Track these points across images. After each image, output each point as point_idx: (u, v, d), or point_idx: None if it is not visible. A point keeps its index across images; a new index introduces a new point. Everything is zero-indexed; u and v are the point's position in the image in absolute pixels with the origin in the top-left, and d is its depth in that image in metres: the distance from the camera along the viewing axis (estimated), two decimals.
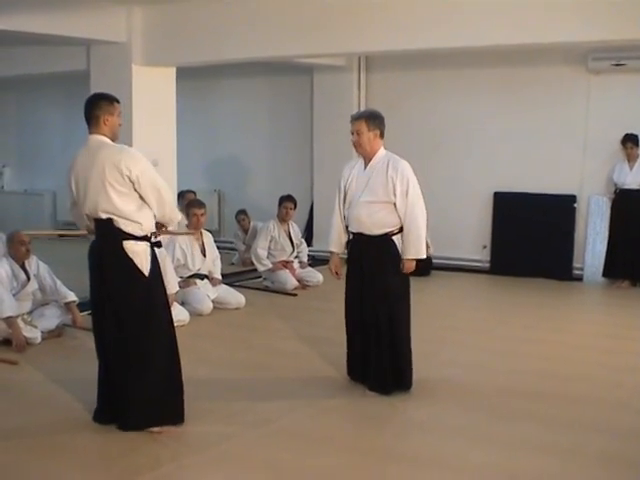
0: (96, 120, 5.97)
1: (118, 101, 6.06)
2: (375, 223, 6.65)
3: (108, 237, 5.78)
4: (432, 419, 6.27)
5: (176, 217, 6.16)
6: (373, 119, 6.72)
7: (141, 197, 5.75)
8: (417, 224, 6.68)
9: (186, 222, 10.16)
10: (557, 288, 11.50)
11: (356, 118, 6.73)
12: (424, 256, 6.73)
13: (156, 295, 5.91)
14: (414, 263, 6.68)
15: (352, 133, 6.72)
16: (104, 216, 5.72)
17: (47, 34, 9.36)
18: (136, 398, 5.84)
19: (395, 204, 6.64)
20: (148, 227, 5.84)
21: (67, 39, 9.83)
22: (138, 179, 5.68)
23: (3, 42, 11.30)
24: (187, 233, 9.34)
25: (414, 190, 6.69)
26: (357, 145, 6.72)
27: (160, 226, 6.01)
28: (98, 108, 5.99)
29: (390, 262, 6.66)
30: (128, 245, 5.73)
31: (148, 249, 5.85)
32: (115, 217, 5.70)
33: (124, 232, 5.73)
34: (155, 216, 5.87)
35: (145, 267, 5.80)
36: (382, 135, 6.78)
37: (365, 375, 6.79)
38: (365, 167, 6.78)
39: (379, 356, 6.66)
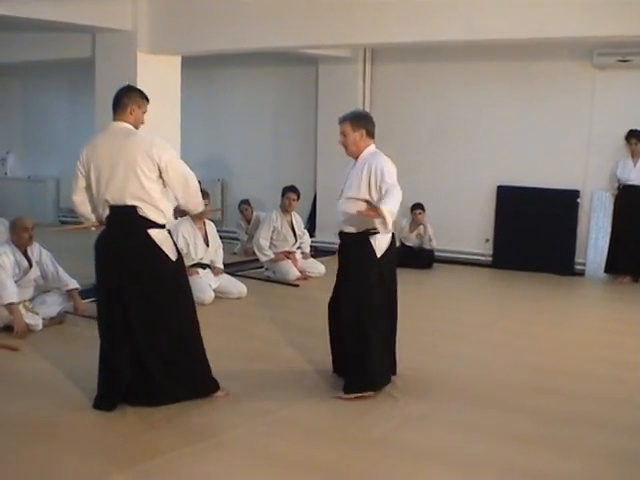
0: (123, 108, 6.16)
1: (149, 100, 6.28)
2: (351, 220, 6.52)
3: (132, 226, 6.01)
4: (431, 412, 6.27)
5: (200, 204, 6.46)
6: (357, 120, 6.65)
7: (164, 185, 6.02)
8: (392, 197, 6.23)
9: None
10: (559, 283, 11.50)
11: (342, 120, 6.66)
12: (389, 228, 6.33)
13: (183, 276, 6.33)
14: (374, 213, 6.22)
15: (340, 134, 6.68)
16: (130, 202, 5.92)
17: (53, 21, 9.34)
18: (173, 374, 6.16)
19: (371, 202, 6.41)
20: (169, 215, 6.13)
21: (73, 26, 9.81)
22: (167, 166, 5.94)
23: (8, 28, 11.28)
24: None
25: (389, 179, 6.38)
26: (344, 146, 6.68)
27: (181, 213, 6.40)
28: (128, 97, 6.19)
29: (362, 262, 6.51)
30: (153, 233, 6.00)
31: (169, 235, 6.17)
32: (142, 204, 5.93)
33: (148, 220, 5.97)
34: (178, 204, 6.17)
35: (172, 252, 6.14)
36: (370, 134, 6.69)
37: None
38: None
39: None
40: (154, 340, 6.10)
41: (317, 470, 5.17)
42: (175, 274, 6.18)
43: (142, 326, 6.08)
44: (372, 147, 6.71)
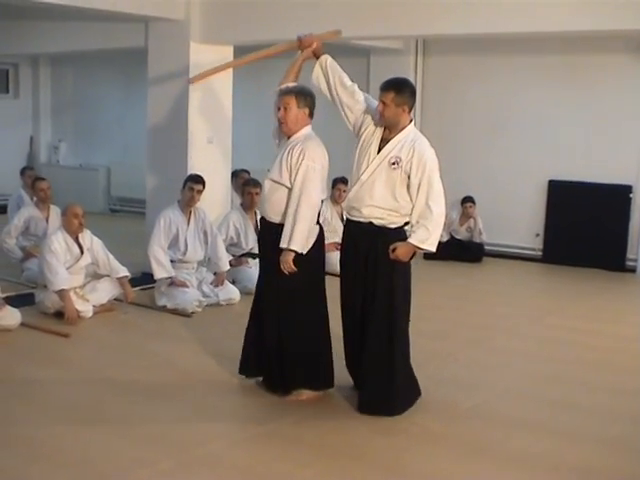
0: None
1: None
2: (272, 207, 6.11)
3: None
4: (478, 406, 6.24)
5: None
6: (304, 96, 6.11)
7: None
8: (296, 215, 5.88)
9: (240, 200, 10.22)
10: (609, 279, 11.38)
11: (285, 92, 6.12)
12: (297, 249, 5.88)
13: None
14: (286, 256, 5.90)
15: (278, 108, 6.10)
16: None
17: (106, 10, 9.38)
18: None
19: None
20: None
21: (126, 16, 9.85)
22: None
23: (62, 17, 11.38)
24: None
25: (304, 177, 5.93)
26: (282, 121, 6.08)
27: None
28: None
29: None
30: None
31: None
32: None
33: None
34: None
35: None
36: (311, 115, 6.21)
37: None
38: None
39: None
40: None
41: None
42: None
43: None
44: (308, 129, 6.23)
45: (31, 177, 11.23)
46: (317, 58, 6.38)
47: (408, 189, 5.81)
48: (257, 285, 6.45)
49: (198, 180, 8.98)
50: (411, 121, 5.99)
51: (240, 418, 5.95)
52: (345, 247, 6.18)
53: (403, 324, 5.95)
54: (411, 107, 5.97)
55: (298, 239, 5.87)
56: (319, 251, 6.16)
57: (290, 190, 5.98)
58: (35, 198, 10.47)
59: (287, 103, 6.07)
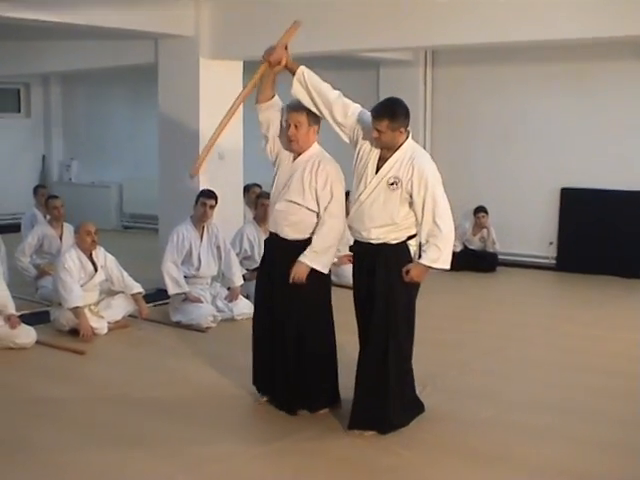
0: None
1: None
2: (294, 227, 6.05)
3: None
4: (495, 416, 6.21)
5: None
6: (314, 113, 5.98)
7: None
8: (326, 237, 5.98)
9: (252, 214, 10.23)
10: (624, 286, 11.33)
11: (296, 109, 5.96)
12: (323, 270, 5.97)
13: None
14: (303, 269, 5.90)
15: (288, 125, 5.97)
16: None
17: (116, 28, 9.43)
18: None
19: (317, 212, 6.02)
20: None
21: (136, 33, 9.90)
22: None
23: (73, 36, 11.41)
24: None
25: (335, 201, 6.03)
26: (293, 139, 5.96)
27: None
28: None
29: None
30: None
31: None
32: None
33: None
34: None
35: None
36: (318, 131, 6.11)
37: None
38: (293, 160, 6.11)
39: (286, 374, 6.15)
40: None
41: None
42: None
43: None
44: (316, 144, 6.14)
45: (44, 195, 11.28)
46: (293, 73, 5.99)
47: (410, 206, 5.69)
48: (262, 302, 6.32)
49: (210, 195, 8.98)
50: (408, 136, 5.79)
51: (256, 433, 5.94)
52: (354, 264, 6.15)
53: (402, 341, 5.80)
54: (407, 126, 5.74)
55: (326, 260, 5.99)
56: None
57: (312, 211, 6.01)
58: (48, 216, 10.50)
59: (298, 121, 5.94)
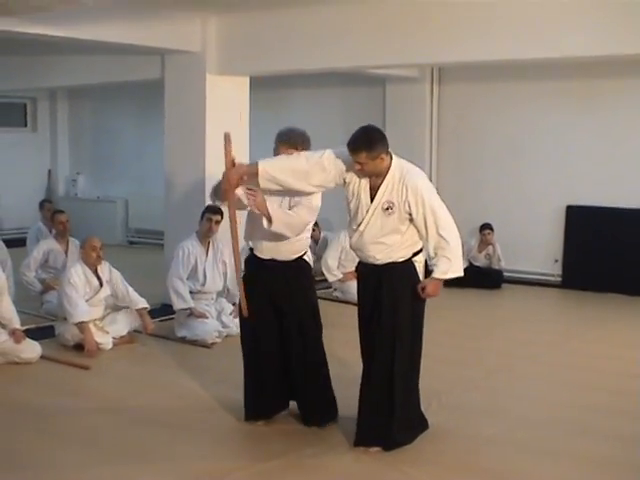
0: None
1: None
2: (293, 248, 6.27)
3: None
4: (499, 434, 6.20)
5: None
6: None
7: None
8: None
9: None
10: (629, 304, 11.31)
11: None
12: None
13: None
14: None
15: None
16: None
17: (123, 43, 9.45)
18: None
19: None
20: None
21: (142, 48, 9.92)
22: None
23: (78, 51, 11.44)
24: None
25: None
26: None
27: None
28: None
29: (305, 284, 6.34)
30: None
31: None
32: None
33: None
34: None
35: None
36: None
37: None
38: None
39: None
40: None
41: None
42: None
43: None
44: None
45: (50, 210, 11.30)
46: (256, 175, 5.73)
47: (412, 222, 5.64)
48: (263, 322, 6.26)
49: (216, 211, 8.97)
50: (392, 157, 5.67)
51: (259, 450, 5.91)
52: (359, 280, 6.13)
53: (408, 358, 5.78)
54: (387, 150, 5.60)
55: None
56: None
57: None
58: (54, 231, 10.50)
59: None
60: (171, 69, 10.52)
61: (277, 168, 5.76)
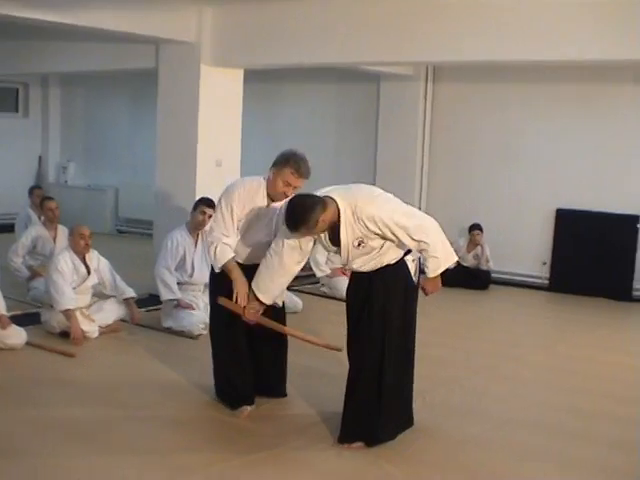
0: None
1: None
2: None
3: None
4: (485, 432, 6.22)
5: None
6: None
7: None
8: None
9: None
10: (616, 308, 11.34)
11: (305, 177, 6.02)
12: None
13: None
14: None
15: (287, 185, 6.01)
16: None
17: (117, 31, 9.42)
18: None
19: None
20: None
21: (137, 37, 9.88)
22: None
23: (72, 38, 11.40)
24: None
25: None
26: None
27: None
28: None
29: None
30: None
31: None
32: None
33: None
34: None
35: None
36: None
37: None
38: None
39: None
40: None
41: None
42: None
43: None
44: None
45: (39, 196, 11.27)
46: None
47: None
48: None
49: (211, 204, 8.86)
50: (334, 201, 5.49)
51: (243, 443, 5.89)
52: (350, 280, 6.11)
53: (398, 356, 5.78)
54: (323, 205, 5.40)
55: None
56: None
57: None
58: (43, 217, 10.48)
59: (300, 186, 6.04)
60: (165, 59, 10.49)
61: (268, 284, 5.94)
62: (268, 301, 5.99)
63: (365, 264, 5.71)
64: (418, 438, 5.98)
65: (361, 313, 5.79)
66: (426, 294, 5.79)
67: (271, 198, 6.21)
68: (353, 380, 5.85)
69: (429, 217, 5.68)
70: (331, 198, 5.48)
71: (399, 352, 5.78)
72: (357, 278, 5.89)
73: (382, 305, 5.68)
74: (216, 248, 6.11)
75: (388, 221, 5.43)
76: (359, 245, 5.56)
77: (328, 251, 5.90)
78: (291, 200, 5.57)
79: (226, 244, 6.12)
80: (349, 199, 5.51)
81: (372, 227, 5.45)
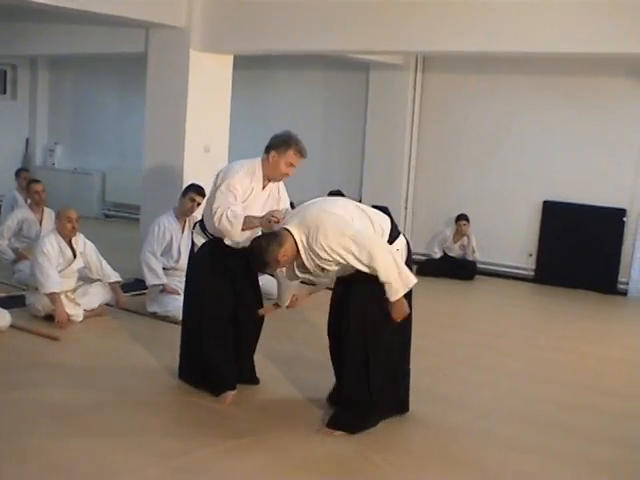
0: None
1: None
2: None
3: None
4: (467, 422, 6.25)
5: None
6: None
7: None
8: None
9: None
10: (601, 301, 11.38)
11: (305, 156, 6.37)
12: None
13: None
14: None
15: (291, 165, 6.31)
16: None
17: (107, 14, 9.36)
18: None
19: None
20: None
21: (127, 20, 9.83)
22: None
23: (61, 20, 11.34)
24: None
25: None
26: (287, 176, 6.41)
27: None
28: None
29: None
30: None
31: None
32: None
33: None
34: None
35: None
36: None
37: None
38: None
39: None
40: None
41: None
42: None
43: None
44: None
45: (26, 179, 11.22)
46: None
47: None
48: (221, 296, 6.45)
49: (200, 192, 8.84)
50: (290, 233, 5.53)
51: (227, 428, 5.89)
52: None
53: (384, 347, 5.83)
54: (280, 244, 5.46)
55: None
56: None
57: None
58: (29, 200, 10.44)
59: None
60: (155, 43, 10.45)
61: (287, 295, 6.35)
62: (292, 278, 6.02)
63: (345, 272, 5.71)
64: (402, 427, 6.01)
65: (345, 299, 5.83)
66: (393, 320, 5.67)
67: (268, 179, 6.33)
68: (340, 367, 5.93)
69: (381, 242, 5.62)
70: (287, 230, 5.53)
71: (384, 343, 5.82)
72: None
73: (366, 291, 5.66)
74: (226, 213, 5.98)
75: (336, 247, 5.41)
76: (323, 270, 5.62)
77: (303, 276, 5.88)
78: (251, 243, 5.71)
79: (234, 210, 6.02)
80: (302, 228, 5.54)
81: (325, 256, 5.47)
